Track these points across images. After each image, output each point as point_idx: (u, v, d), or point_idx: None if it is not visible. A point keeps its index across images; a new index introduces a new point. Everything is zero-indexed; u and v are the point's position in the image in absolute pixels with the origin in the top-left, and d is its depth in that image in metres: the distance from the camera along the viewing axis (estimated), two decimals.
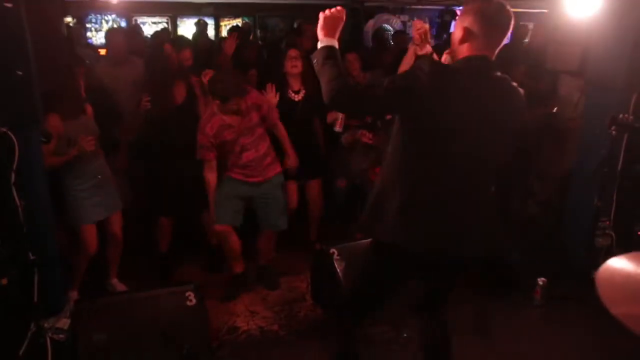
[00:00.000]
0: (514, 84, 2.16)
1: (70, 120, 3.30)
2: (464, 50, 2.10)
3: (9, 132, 2.32)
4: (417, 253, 2.07)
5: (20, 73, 2.29)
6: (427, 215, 2.07)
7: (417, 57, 2.68)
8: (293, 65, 4.05)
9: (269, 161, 3.70)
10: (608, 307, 1.04)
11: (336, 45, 2.09)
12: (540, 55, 4.78)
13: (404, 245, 2.06)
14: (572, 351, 3.03)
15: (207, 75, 3.80)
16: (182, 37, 6.51)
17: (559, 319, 3.53)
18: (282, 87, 4.11)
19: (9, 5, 2.17)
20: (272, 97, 4.01)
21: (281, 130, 3.82)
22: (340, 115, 4.02)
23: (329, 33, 2.10)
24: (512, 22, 2.09)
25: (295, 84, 4.12)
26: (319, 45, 2.10)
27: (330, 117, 4.12)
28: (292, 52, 4.11)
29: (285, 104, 4.05)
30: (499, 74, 2.11)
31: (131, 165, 4.16)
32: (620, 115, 3.07)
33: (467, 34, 2.07)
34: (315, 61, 2.10)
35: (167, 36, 6.31)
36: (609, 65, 3.67)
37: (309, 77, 4.05)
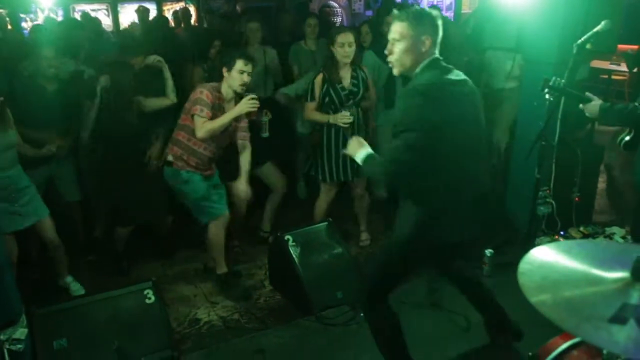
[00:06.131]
0: None
1: None
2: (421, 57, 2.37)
3: None
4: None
5: None
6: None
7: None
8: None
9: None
10: (526, 296, 1.15)
11: (369, 150, 2.54)
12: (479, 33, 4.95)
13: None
14: (519, 316, 3.18)
15: None
16: None
17: (508, 287, 3.69)
18: None
19: None
20: None
21: (248, 153, 3.82)
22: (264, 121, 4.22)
23: (360, 149, 2.55)
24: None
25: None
26: (359, 158, 2.54)
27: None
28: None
29: None
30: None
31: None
32: (553, 79, 3.17)
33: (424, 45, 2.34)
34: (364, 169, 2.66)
35: None
36: (542, 42, 3.85)
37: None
